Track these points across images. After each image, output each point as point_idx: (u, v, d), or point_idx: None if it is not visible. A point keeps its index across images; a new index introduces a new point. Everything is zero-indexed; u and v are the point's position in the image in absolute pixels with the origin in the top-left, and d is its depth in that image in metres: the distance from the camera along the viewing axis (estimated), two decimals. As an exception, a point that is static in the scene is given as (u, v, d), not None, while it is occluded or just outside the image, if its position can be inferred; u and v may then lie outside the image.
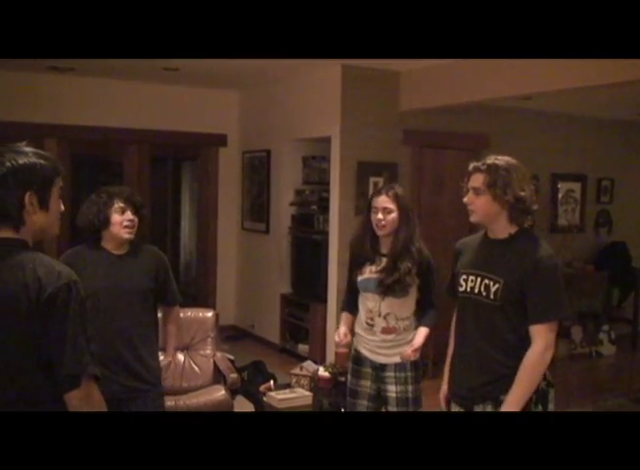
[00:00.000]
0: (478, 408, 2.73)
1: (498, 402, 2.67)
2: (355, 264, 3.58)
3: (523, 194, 2.67)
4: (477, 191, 2.74)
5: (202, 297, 8.24)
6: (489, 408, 2.69)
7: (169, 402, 4.76)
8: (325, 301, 6.59)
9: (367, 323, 3.53)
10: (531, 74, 5.23)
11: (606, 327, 7.96)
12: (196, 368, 5.14)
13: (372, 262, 3.50)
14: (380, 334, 3.50)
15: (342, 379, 4.92)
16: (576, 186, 8.36)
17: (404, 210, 3.45)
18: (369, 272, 3.50)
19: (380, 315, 3.48)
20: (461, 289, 2.83)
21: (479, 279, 2.75)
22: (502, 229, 2.75)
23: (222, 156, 8.26)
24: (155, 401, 3.37)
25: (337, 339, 3.54)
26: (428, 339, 3.50)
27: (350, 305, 3.68)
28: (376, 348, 3.52)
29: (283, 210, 7.47)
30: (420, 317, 3.54)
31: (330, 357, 6.11)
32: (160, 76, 7.11)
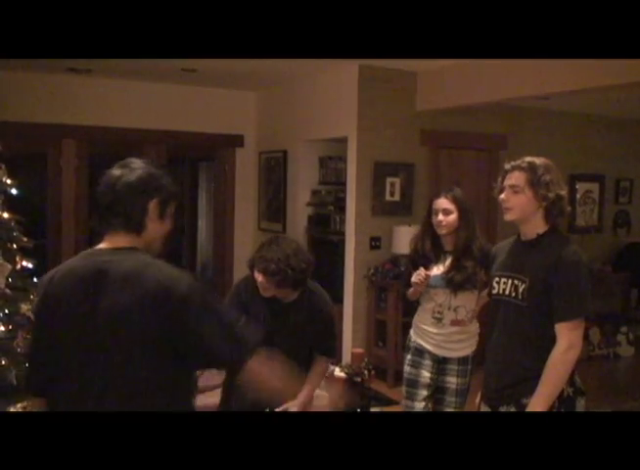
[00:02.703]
0: (502, 409, 2.73)
1: (521, 405, 2.66)
2: (419, 263, 3.73)
3: (563, 193, 2.70)
4: (515, 189, 2.76)
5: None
6: (513, 409, 2.68)
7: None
8: (341, 301, 6.58)
9: (434, 317, 3.74)
10: (549, 74, 5.20)
11: (624, 328, 7.90)
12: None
13: (437, 260, 3.72)
14: (449, 326, 3.71)
15: (358, 379, 4.93)
16: (595, 187, 8.31)
17: (463, 210, 3.67)
18: (436, 269, 3.70)
19: (449, 308, 3.70)
20: (494, 291, 2.85)
21: (509, 281, 2.76)
22: (533, 229, 2.76)
23: (239, 156, 8.28)
24: None
25: (416, 278, 3.63)
26: None
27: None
28: (442, 342, 3.74)
29: (299, 210, 7.47)
30: None
31: (346, 358, 6.11)
32: (178, 77, 7.13)
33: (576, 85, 5.15)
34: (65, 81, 7.05)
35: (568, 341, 2.58)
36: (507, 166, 2.82)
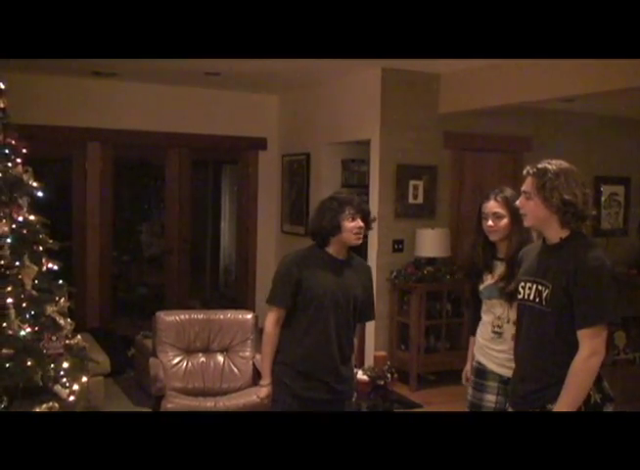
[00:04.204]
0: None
1: (546, 411, 2.63)
2: (474, 274, 3.49)
3: (568, 198, 2.65)
4: (527, 195, 2.76)
5: (241, 299, 8.29)
6: None
7: (209, 403, 4.81)
8: (364, 304, 6.56)
9: (494, 332, 3.36)
10: (574, 76, 5.16)
11: (650, 333, 7.81)
12: (235, 370, 5.17)
13: (490, 270, 3.39)
14: (510, 341, 3.22)
15: (381, 383, 4.92)
16: (620, 189, 8.21)
17: (515, 213, 3.18)
18: (490, 279, 3.38)
19: (509, 322, 3.29)
20: (519, 296, 2.83)
21: (534, 286, 2.74)
22: (554, 234, 2.73)
23: (262, 159, 8.30)
24: (352, 405, 3.63)
25: (463, 381, 3.61)
26: None
27: (476, 327, 3.54)
28: (505, 361, 3.25)
29: (322, 213, 7.45)
30: None
31: (369, 361, 6.10)
32: (201, 81, 7.17)
33: (601, 87, 5.10)
34: (89, 85, 7.12)
35: (590, 348, 2.55)
36: (524, 172, 2.81)
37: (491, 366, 3.36)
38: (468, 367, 3.59)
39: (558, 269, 2.65)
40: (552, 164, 2.72)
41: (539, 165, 2.74)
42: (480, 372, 3.42)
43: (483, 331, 3.43)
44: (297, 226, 7.85)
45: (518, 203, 2.83)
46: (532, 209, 2.74)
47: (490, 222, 3.33)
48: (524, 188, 2.78)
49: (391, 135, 6.41)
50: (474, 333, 3.53)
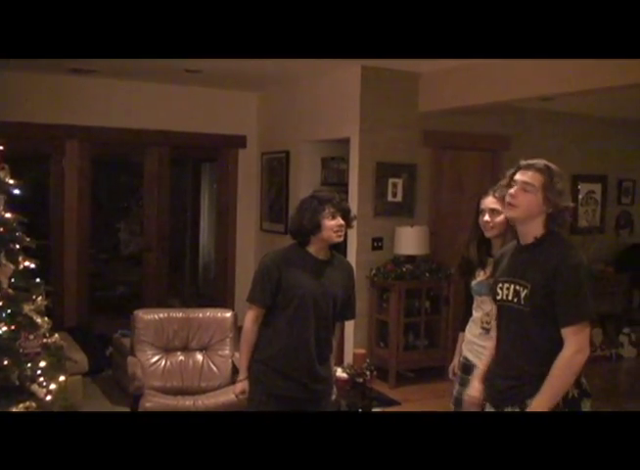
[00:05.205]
0: (507, 410, 2.73)
1: (524, 406, 2.65)
2: (468, 271, 3.49)
3: (567, 204, 2.70)
4: (528, 188, 2.70)
5: (220, 297, 8.27)
6: (517, 411, 2.68)
7: (187, 402, 4.80)
8: (343, 301, 6.58)
9: (483, 328, 3.38)
10: (552, 75, 5.20)
11: (626, 329, 7.89)
12: (214, 368, 5.16)
13: (483, 266, 3.37)
14: None
15: (360, 380, 4.93)
16: (597, 187, 8.29)
17: None
18: (482, 275, 3.38)
19: None
20: (498, 297, 2.83)
21: (512, 286, 2.75)
22: (531, 232, 2.73)
23: (241, 157, 8.28)
24: (330, 404, 3.64)
25: (450, 375, 3.63)
26: None
27: (466, 323, 3.55)
28: None
29: (302, 211, 7.45)
30: None
31: (348, 358, 6.11)
32: (181, 78, 7.14)
33: (580, 86, 5.14)
34: (68, 82, 7.06)
35: (576, 344, 2.57)
36: (523, 163, 2.76)
37: (478, 362, 3.34)
38: (455, 362, 3.62)
39: (536, 268, 2.67)
40: (554, 166, 2.73)
41: (545, 163, 2.72)
42: (467, 368, 3.45)
43: (472, 327, 3.46)
44: (277, 224, 7.85)
45: (511, 191, 2.75)
46: (529, 202, 2.69)
47: (487, 218, 3.32)
48: (525, 179, 2.70)
49: (371, 133, 6.42)
50: (463, 329, 3.56)
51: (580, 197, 8.13)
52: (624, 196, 8.56)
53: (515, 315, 2.73)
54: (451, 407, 3.56)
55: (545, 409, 2.58)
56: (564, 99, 6.44)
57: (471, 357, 3.44)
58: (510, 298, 2.74)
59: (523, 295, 2.68)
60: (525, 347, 2.69)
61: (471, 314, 3.50)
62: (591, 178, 8.20)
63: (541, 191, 2.68)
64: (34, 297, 3.32)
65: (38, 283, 3.40)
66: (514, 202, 2.74)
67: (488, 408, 2.92)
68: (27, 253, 3.45)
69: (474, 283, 3.46)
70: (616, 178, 8.45)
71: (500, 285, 2.82)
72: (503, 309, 2.81)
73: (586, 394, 2.69)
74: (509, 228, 3.23)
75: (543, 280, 2.63)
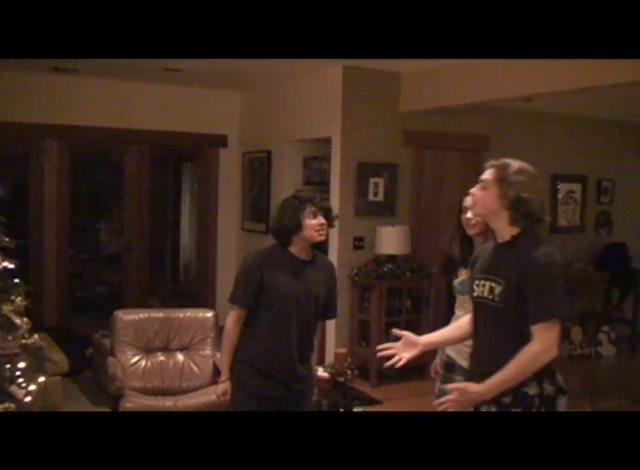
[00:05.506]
0: (484, 408, 2.74)
1: (501, 404, 2.67)
2: (450, 269, 3.50)
3: (524, 196, 2.67)
4: (483, 184, 2.75)
5: (201, 297, 8.25)
6: (493, 409, 2.70)
7: (168, 402, 4.78)
8: (325, 301, 6.58)
9: None
10: (532, 75, 5.23)
11: (606, 328, 7.95)
12: (195, 368, 5.15)
13: (466, 265, 3.30)
14: None
15: (341, 379, 4.93)
16: (577, 187, 8.36)
17: None
18: (465, 274, 3.36)
19: None
20: (474, 294, 2.85)
21: (487, 283, 2.77)
22: (503, 230, 2.75)
23: (223, 156, 8.26)
24: (312, 404, 3.68)
25: (432, 374, 3.61)
26: None
27: (448, 322, 3.50)
28: None
29: (283, 210, 7.44)
30: None
31: (329, 358, 6.11)
32: (162, 77, 7.10)
33: (559, 86, 5.17)
34: (48, 80, 7.00)
35: (544, 341, 2.58)
36: (486, 164, 2.82)
37: (460, 361, 3.38)
38: (437, 361, 3.62)
39: (509, 266, 2.68)
40: (516, 162, 2.75)
41: (505, 159, 2.76)
42: (449, 366, 3.47)
43: (460, 318, 3.40)
44: (258, 224, 7.84)
45: (471, 190, 2.81)
46: (484, 198, 2.74)
47: (469, 215, 3.33)
48: (482, 177, 2.77)
49: (352, 133, 6.43)
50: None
51: (560, 196, 8.19)
52: (604, 196, 8.63)
53: (490, 312, 2.74)
54: (435, 404, 3.56)
55: (492, 392, 2.61)
56: (544, 99, 6.49)
57: (454, 356, 3.45)
58: (485, 294, 2.76)
59: (497, 291, 2.70)
60: (501, 344, 2.70)
61: (453, 313, 3.51)
62: (571, 178, 8.26)
63: (495, 185, 2.71)
64: (13, 297, 3.30)
65: (17, 283, 3.38)
66: (473, 199, 2.82)
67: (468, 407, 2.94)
68: (6, 253, 3.42)
69: (456, 282, 3.47)
70: (595, 178, 8.52)
71: (477, 282, 2.84)
72: (479, 306, 2.83)
73: (562, 391, 2.71)
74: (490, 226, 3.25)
75: (515, 277, 2.64)
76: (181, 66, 6.44)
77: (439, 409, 2.69)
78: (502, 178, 2.70)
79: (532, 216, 2.69)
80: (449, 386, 2.70)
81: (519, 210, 2.68)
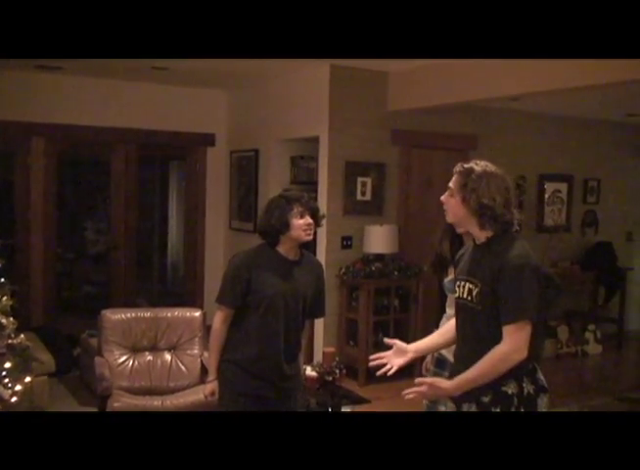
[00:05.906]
0: (465, 407, 2.76)
1: (481, 404, 2.68)
2: (440, 268, 3.52)
3: (485, 201, 2.67)
4: (450, 191, 2.80)
5: (189, 296, 8.23)
6: (474, 408, 2.71)
7: (156, 402, 4.77)
8: (313, 300, 6.59)
9: None
10: (519, 75, 5.25)
11: (592, 326, 8.00)
12: (183, 368, 5.14)
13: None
14: None
15: (329, 378, 4.94)
16: (563, 186, 8.40)
17: None
18: (453, 273, 3.32)
19: None
20: (456, 295, 2.87)
21: (467, 284, 2.78)
22: (478, 234, 2.78)
23: (210, 155, 8.24)
24: (300, 401, 3.69)
25: (423, 371, 3.64)
26: None
27: (439, 320, 3.57)
28: None
29: (271, 209, 7.43)
30: None
31: (317, 357, 6.12)
32: (149, 76, 7.08)
33: (545, 86, 5.20)
34: (34, 79, 6.95)
35: (514, 342, 2.59)
36: (454, 169, 2.85)
37: (451, 358, 3.33)
38: (428, 359, 3.64)
39: (484, 268, 2.70)
40: (478, 166, 2.74)
41: (466, 165, 2.77)
42: (441, 363, 3.50)
43: (446, 323, 3.41)
44: (246, 223, 7.83)
45: (442, 198, 2.85)
46: (453, 206, 2.78)
47: None
48: (449, 184, 2.81)
49: (340, 132, 6.43)
50: (437, 326, 3.55)
51: (547, 196, 8.23)
52: (590, 195, 8.67)
53: (469, 313, 2.76)
54: (425, 403, 3.58)
55: (458, 390, 2.64)
56: (531, 99, 6.52)
57: (445, 353, 3.46)
58: (465, 295, 2.78)
59: (474, 293, 2.72)
60: (480, 345, 2.71)
61: (444, 311, 3.53)
62: (557, 178, 8.31)
63: (458, 192, 2.74)
64: (-1, 296, 3.29)
65: (3, 283, 3.37)
66: (445, 207, 2.86)
67: (450, 405, 2.96)
68: (-8, 252, 3.41)
69: (446, 280, 3.48)
70: (581, 178, 8.56)
71: (458, 283, 2.86)
72: (459, 307, 2.85)
73: (543, 389, 2.72)
74: None
75: (489, 279, 2.66)
76: (168, 64, 6.42)
77: (406, 398, 2.70)
78: (464, 185, 2.72)
79: (500, 219, 2.70)
80: (418, 379, 2.71)
81: (484, 215, 2.70)
